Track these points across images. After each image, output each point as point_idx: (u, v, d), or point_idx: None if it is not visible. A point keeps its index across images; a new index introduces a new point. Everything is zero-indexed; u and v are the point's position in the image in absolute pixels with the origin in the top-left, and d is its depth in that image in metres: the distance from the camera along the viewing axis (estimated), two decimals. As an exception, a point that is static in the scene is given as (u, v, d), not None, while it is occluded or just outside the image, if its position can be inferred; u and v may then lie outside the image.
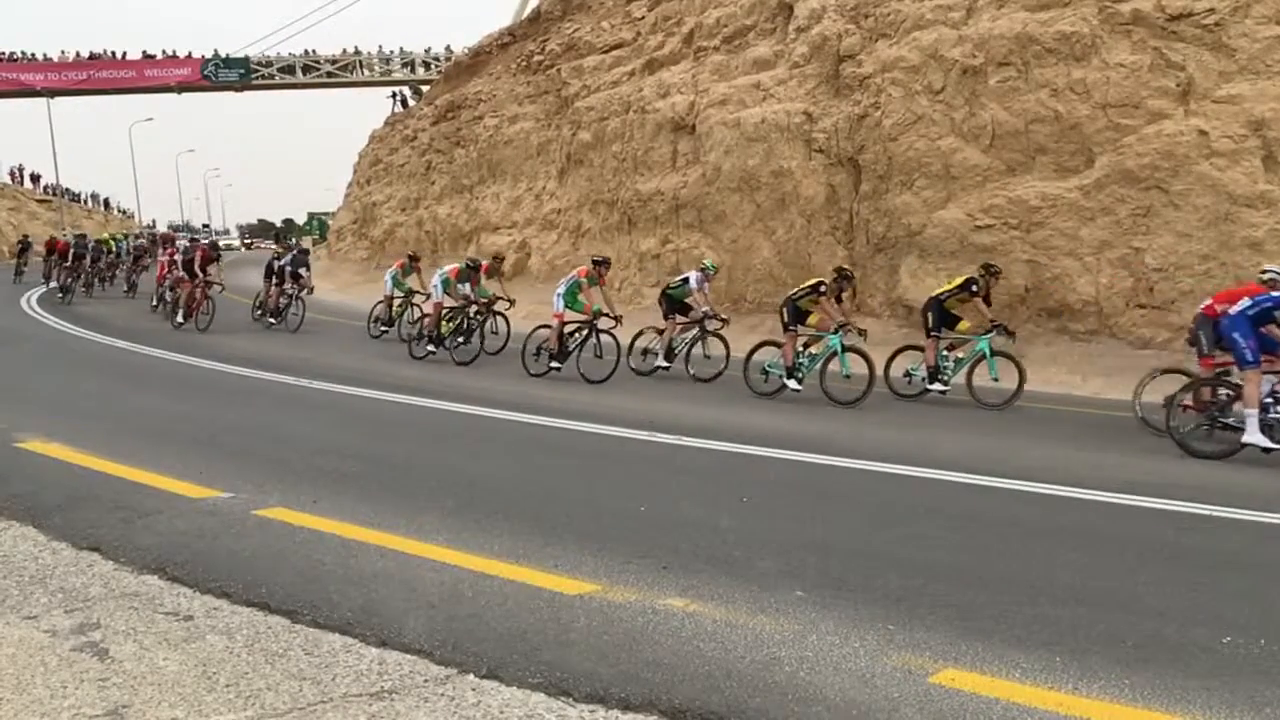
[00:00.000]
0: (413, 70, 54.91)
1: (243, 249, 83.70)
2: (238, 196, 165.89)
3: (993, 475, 7.60)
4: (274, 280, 20.71)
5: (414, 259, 20.18)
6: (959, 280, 12.86)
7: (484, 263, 17.83)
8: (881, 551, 5.64)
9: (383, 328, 19.01)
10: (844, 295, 12.85)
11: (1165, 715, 3.63)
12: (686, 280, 14.19)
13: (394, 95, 48.02)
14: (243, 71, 55.55)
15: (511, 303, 16.65)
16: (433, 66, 52.32)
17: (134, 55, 55.91)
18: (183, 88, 55.81)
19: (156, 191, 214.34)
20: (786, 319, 12.55)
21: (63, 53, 55.33)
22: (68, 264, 27.00)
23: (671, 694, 3.71)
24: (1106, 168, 14.57)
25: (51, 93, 53.37)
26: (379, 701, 3.61)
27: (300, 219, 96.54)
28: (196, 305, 19.23)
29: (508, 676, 3.83)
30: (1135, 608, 4.72)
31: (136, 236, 36.81)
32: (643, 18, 25.68)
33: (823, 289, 12.42)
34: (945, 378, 12.30)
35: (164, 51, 56.16)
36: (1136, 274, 14.32)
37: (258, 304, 21.62)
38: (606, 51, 26.72)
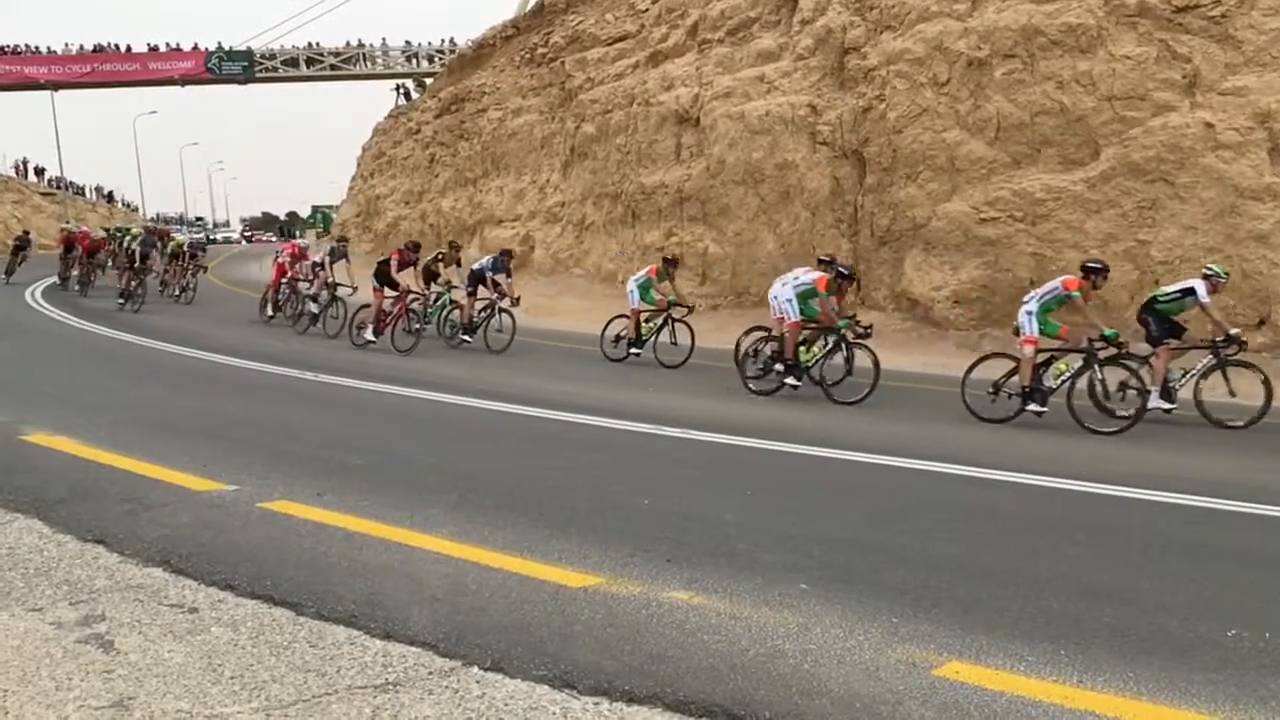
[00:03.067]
0: (416, 63, 54.93)
1: (243, 242, 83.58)
2: (241, 190, 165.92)
3: (996, 469, 7.59)
4: (468, 289, 16.39)
5: (672, 262, 15.09)
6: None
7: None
8: (885, 545, 5.64)
9: (632, 350, 14.55)
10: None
11: (1170, 709, 3.63)
12: (1190, 292, 10.48)
13: (398, 88, 48.02)
14: (246, 64, 55.64)
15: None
16: (436, 59, 52.30)
17: (138, 48, 55.98)
18: (186, 80, 55.90)
19: (160, 185, 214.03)
20: None
21: (66, 46, 55.53)
22: (131, 266, 22.13)
23: (676, 686, 3.71)
24: (1112, 160, 14.53)
25: (55, 86, 53.51)
26: (383, 693, 3.61)
27: (304, 212, 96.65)
28: (391, 321, 15.70)
29: (512, 669, 3.84)
30: (1140, 601, 4.71)
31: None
32: (647, 10, 25.63)
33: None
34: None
35: (167, 44, 56.24)
36: (1142, 267, 14.29)
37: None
38: (610, 44, 26.68)
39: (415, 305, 15.93)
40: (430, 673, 3.81)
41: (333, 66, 56.90)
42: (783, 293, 11.85)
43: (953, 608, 4.58)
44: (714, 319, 18.17)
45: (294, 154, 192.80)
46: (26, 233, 35.79)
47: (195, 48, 56.02)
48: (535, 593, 4.66)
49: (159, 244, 24.68)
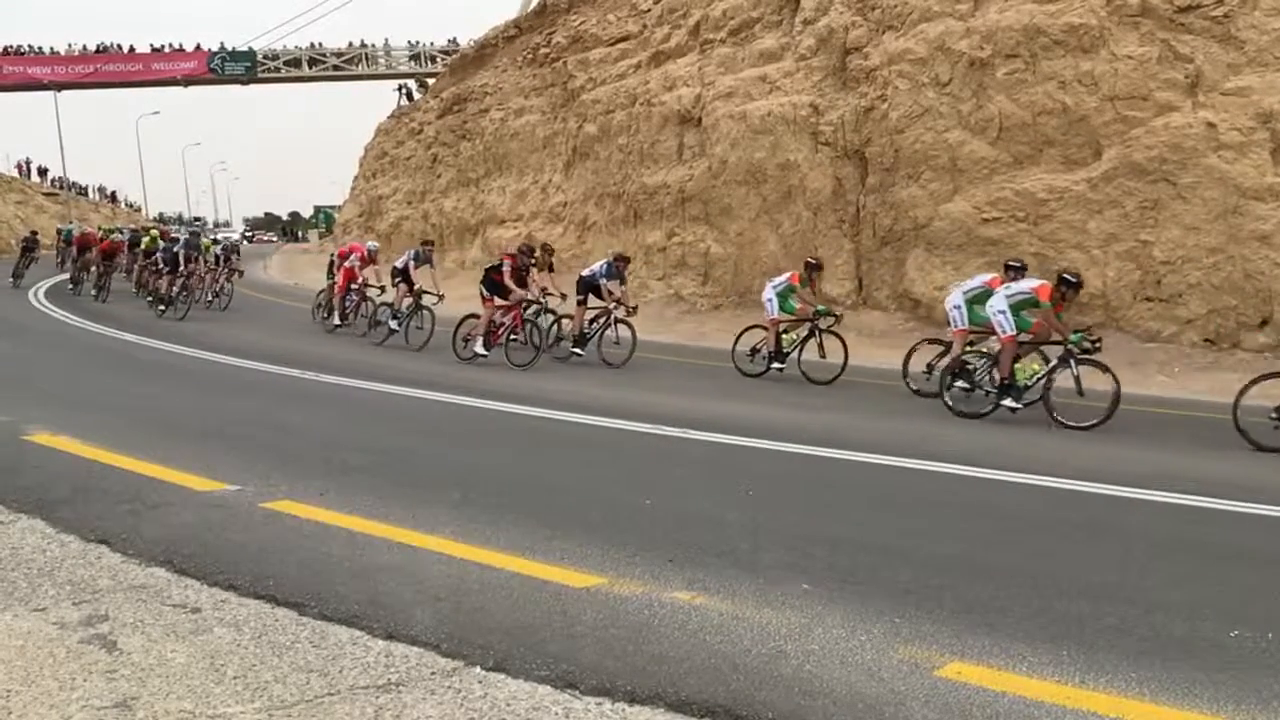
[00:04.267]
0: (419, 63, 54.89)
1: (244, 243, 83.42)
2: (244, 190, 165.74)
3: (999, 469, 7.58)
4: (578, 297, 14.75)
5: (815, 266, 13.66)
6: None
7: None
8: (887, 544, 5.63)
9: (774, 365, 13.07)
10: None
11: (1173, 709, 3.62)
12: None
13: (400, 88, 48.03)
14: (249, 64, 55.63)
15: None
16: (439, 59, 52.30)
17: (141, 49, 55.99)
18: (189, 81, 55.89)
19: (163, 185, 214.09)
20: None
21: (70, 46, 55.46)
22: (172, 270, 20.60)
23: (678, 687, 3.71)
24: (1114, 160, 14.52)
25: (59, 86, 53.52)
26: (386, 694, 3.61)
27: (307, 212, 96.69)
28: (504, 333, 14.17)
29: (514, 669, 3.84)
30: (1142, 601, 4.71)
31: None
32: (649, 10, 25.64)
33: None
34: None
35: (170, 45, 56.23)
36: (1144, 267, 14.29)
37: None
38: (613, 44, 26.71)
39: (532, 316, 14.35)
40: (433, 673, 3.81)
41: (335, 67, 56.87)
42: (994, 303, 10.49)
43: (955, 608, 4.57)
44: (717, 318, 18.21)
45: (296, 154, 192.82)
46: (35, 233, 33.97)
47: (198, 48, 55.99)
48: (537, 593, 4.66)
49: (201, 246, 22.66)
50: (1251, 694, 3.71)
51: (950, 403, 10.57)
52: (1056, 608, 4.59)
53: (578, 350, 14.43)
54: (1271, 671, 3.92)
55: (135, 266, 25.73)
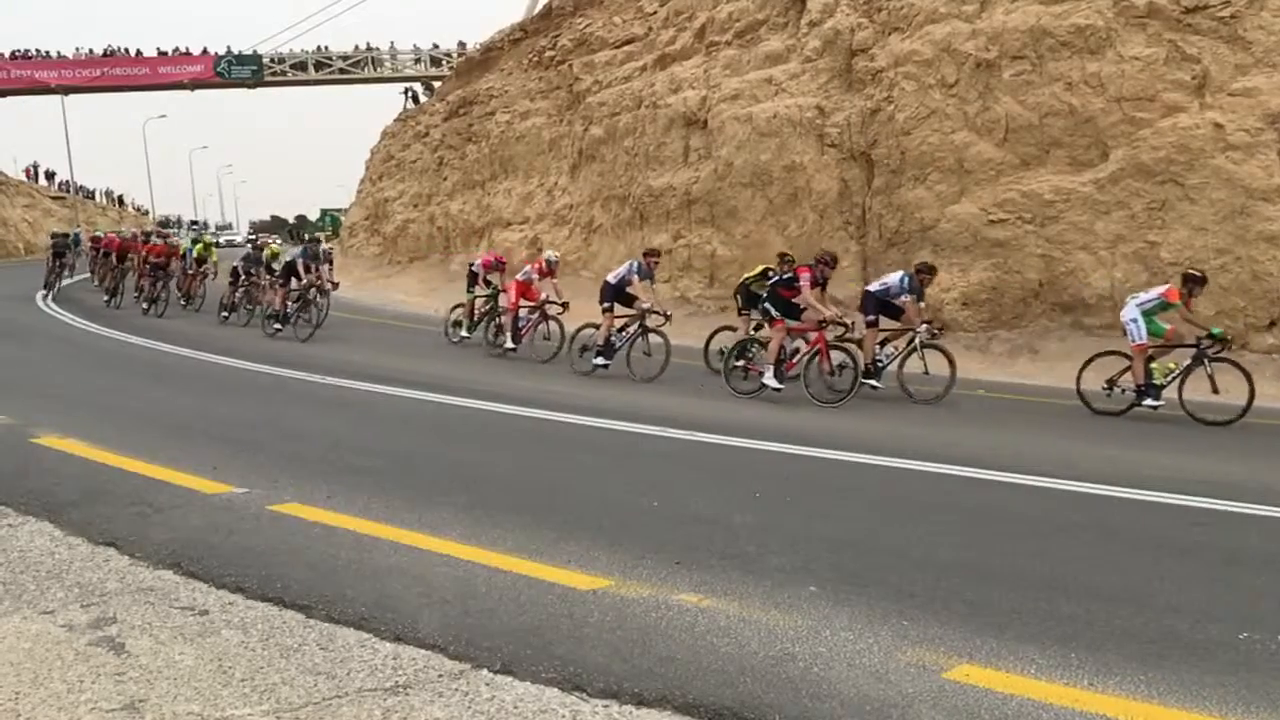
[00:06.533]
0: (425, 66, 54.95)
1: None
2: (251, 193, 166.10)
3: (1005, 470, 7.56)
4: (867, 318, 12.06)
5: (1198, 280, 10.86)
6: None
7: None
8: (894, 547, 5.62)
9: (1147, 402, 10.57)
10: None
11: (1181, 712, 3.61)
12: None
13: (406, 91, 48.08)
14: (255, 68, 55.72)
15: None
16: (444, 62, 52.37)
17: (148, 52, 56.14)
18: (196, 84, 56.00)
19: (170, 188, 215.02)
20: None
21: (77, 50, 55.58)
22: (284, 282, 17.86)
23: (685, 689, 3.71)
24: (1121, 161, 14.48)
25: (65, 90, 53.67)
26: (394, 696, 3.62)
27: (313, 215, 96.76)
28: (801, 360, 11.49)
29: (521, 671, 3.84)
30: (1150, 603, 4.70)
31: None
32: (654, 12, 25.62)
33: None
34: None
35: (177, 48, 56.36)
36: (1151, 268, 14.23)
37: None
38: (618, 46, 26.68)
39: (837, 341, 11.61)
40: (440, 675, 3.82)
41: (341, 70, 56.92)
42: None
43: (962, 610, 4.57)
44: (723, 320, 18.10)
45: (302, 157, 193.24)
46: (66, 234, 30.28)
47: (204, 52, 56.10)
48: (544, 595, 4.67)
49: (318, 256, 18.85)
50: (1261, 696, 3.70)
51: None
52: (1064, 610, 4.58)
53: (874, 382, 11.63)
54: (1281, 674, 3.91)
55: (182, 274, 23.04)
